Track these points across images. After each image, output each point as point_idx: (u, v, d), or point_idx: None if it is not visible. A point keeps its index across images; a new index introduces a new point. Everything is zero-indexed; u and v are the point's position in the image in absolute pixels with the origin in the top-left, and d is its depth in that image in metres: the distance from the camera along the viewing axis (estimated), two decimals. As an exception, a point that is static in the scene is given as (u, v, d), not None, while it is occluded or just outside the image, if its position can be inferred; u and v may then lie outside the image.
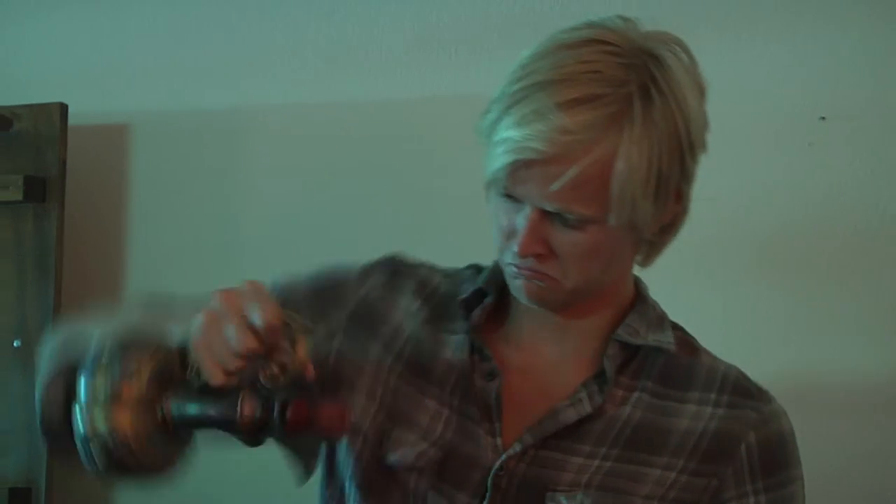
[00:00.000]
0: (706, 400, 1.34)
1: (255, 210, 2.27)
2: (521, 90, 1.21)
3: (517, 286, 1.30)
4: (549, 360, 1.37)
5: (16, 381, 2.07)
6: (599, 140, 1.18)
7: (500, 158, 1.20)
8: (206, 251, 2.22)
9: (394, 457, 1.35)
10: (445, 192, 2.16)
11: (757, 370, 1.44)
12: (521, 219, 1.23)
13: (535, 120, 1.19)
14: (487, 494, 1.32)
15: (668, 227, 1.31)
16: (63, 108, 2.11)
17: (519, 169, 1.20)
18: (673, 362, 1.36)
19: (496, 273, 1.37)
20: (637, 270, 1.37)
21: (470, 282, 1.40)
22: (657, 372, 1.36)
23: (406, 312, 1.41)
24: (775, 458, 1.35)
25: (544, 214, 1.23)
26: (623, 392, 1.34)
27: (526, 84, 1.21)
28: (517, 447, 1.32)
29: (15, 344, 2.09)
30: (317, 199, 2.23)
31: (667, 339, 1.36)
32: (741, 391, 1.35)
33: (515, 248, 1.25)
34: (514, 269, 1.28)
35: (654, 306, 1.40)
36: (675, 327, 1.40)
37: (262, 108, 2.25)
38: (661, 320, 1.39)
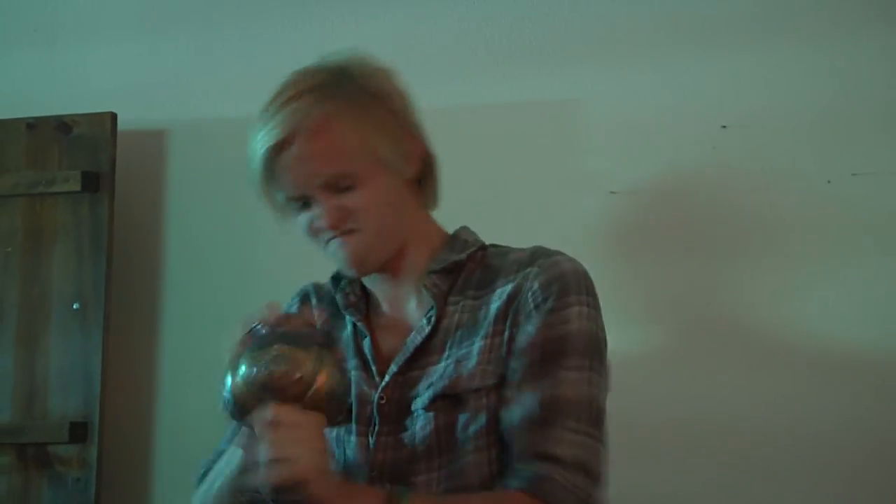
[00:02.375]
0: (506, 280, 1.53)
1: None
2: (253, 126, 1.49)
3: (341, 257, 1.52)
4: (402, 311, 1.60)
5: (76, 336, 2.26)
6: (316, 111, 1.43)
7: (259, 162, 1.46)
8: (235, 233, 2.34)
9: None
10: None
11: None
12: (316, 209, 1.47)
13: (269, 119, 1.45)
14: (376, 419, 1.54)
15: (424, 167, 1.56)
16: (113, 117, 2.30)
17: (281, 161, 1.44)
18: (487, 270, 1.56)
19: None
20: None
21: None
22: (474, 282, 1.56)
23: (318, 318, 1.62)
24: (553, 290, 1.50)
25: (326, 194, 1.46)
26: (452, 308, 1.55)
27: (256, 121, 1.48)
28: (387, 378, 1.54)
29: (74, 306, 2.26)
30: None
31: (459, 257, 1.56)
32: (530, 258, 1.54)
33: (325, 227, 1.48)
34: (335, 246, 1.50)
35: (465, 239, 1.60)
36: (493, 246, 1.60)
37: None
38: (465, 244, 1.59)
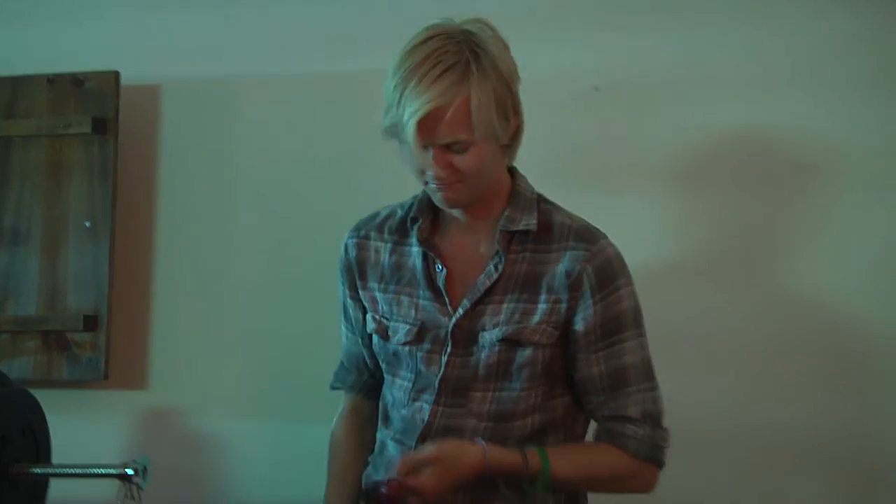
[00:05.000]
0: (560, 247, 1.69)
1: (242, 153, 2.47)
2: (403, 81, 1.58)
3: (440, 198, 1.66)
4: (471, 248, 1.73)
5: (88, 248, 2.39)
6: (459, 91, 1.56)
7: (409, 123, 1.56)
8: (217, 167, 2.46)
9: (394, 340, 1.76)
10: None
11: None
12: (430, 157, 1.60)
13: (422, 93, 1.56)
14: (449, 342, 1.71)
15: (515, 135, 1.69)
16: (116, 74, 2.42)
17: (421, 124, 1.56)
18: (542, 229, 1.71)
19: (422, 201, 1.74)
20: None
21: (417, 207, 1.76)
22: (531, 237, 1.70)
23: (377, 250, 1.80)
24: (605, 276, 1.69)
25: (442, 151, 1.60)
26: (514, 256, 1.70)
27: (404, 76, 1.58)
28: (461, 311, 1.70)
29: (87, 224, 2.40)
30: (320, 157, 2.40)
31: (531, 222, 1.69)
32: (579, 237, 1.69)
33: (432, 174, 1.61)
34: (435, 187, 1.64)
35: (524, 193, 1.73)
36: (543, 200, 1.74)
37: (259, 77, 2.44)
38: (530, 204, 1.72)
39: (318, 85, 2.41)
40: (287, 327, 2.39)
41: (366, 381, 1.89)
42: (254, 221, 2.43)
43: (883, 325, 2.17)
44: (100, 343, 2.38)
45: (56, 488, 2.00)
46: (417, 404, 1.71)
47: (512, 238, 1.70)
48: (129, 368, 2.46)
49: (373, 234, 1.80)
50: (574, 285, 1.67)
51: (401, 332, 1.73)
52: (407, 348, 1.72)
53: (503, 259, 1.68)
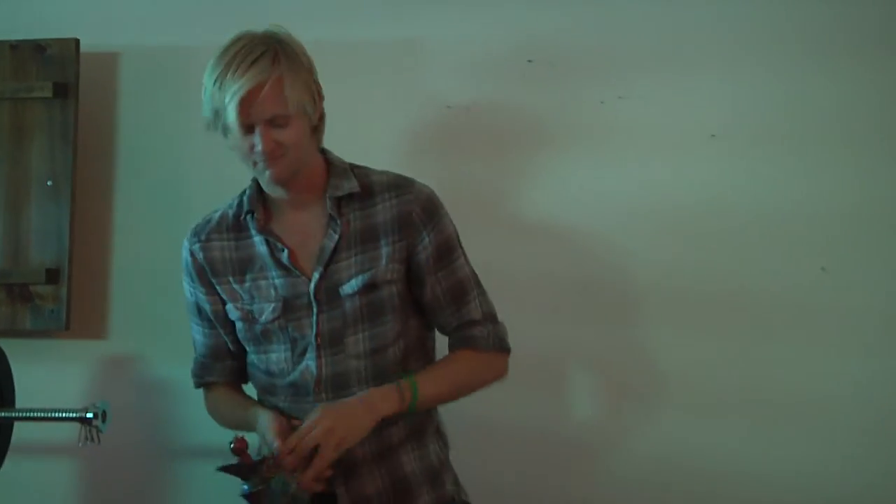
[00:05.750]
0: (384, 199, 1.87)
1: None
2: (221, 73, 1.72)
3: (267, 176, 1.79)
4: (305, 223, 1.86)
5: (50, 205, 2.45)
6: (272, 72, 1.71)
7: (231, 104, 1.70)
8: (171, 130, 2.51)
9: (262, 321, 1.88)
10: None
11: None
12: (256, 136, 1.74)
13: (240, 77, 1.71)
14: (314, 305, 1.85)
15: (321, 119, 1.84)
16: (77, 42, 2.47)
17: (242, 104, 1.70)
18: (363, 190, 1.87)
19: (251, 196, 1.87)
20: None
21: (248, 201, 1.89)
22: (356, 198, 1.87)
23: (222, 248, 1.90)
24: (430, 212, 1.88)
25: (266, 128, 1.74)
26: (346, 218, 1.85)
27: (221, 69, 1.73)
28: (316, 276, 1.84)
29: (49, 183, 2.45)
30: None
31: (353, 185, 1.86)
32: (397, 186, 1.87)
33: (260, 150, 1.74)
34: (263, 165, 1.76)
35: (338, 164, 1.89)
36: (354, 167, 1.90)
37: (213, 46, 2.16)
38: (346, 171, 1.88)
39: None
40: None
41: (230, 364, 2.00)
42: (207, 180, 2.47)
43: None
44: (61, 295, 2.43)
45: (20, 431, 2.09)
46: (302, 365, 1.85)
47: (340, 203, 1.85)
48: (89, 319, 2.53)
49: (213, 236, 1.92)
50: (407, 225, 1.85)
51: (266, 311, 1.87)
52: (276, 323, 1.86)
53: (339, 222, 1.84)
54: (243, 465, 1.73)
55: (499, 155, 2.39)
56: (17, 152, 2.47)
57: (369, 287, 1.84)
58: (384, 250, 1.86)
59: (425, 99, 2.41)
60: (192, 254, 1.93)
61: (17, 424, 2.06)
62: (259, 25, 2.18)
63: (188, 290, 1.97)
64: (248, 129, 1.75)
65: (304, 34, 1.87)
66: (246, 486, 1.70)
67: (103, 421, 1.98)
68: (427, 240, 1.88)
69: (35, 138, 2.46)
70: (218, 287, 1.93)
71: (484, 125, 2.41)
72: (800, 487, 2.27)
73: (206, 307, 1.96)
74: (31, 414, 2.01)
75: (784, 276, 2.32)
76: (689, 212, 2.34)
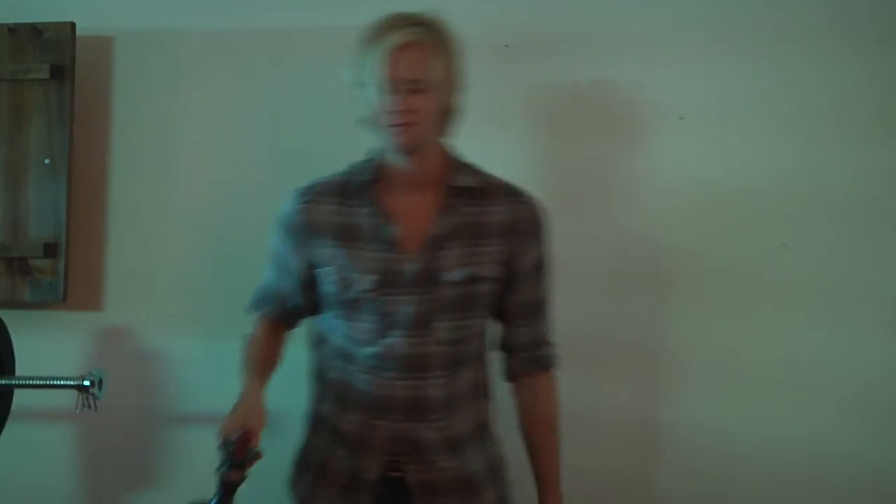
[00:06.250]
0: (497, 202, 1.92)
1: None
2: (379, 30, 1.78)
3: (397, 140, 1.82)
4: (417, 204, 1.90)
5: (48, 183, 2.48)
6: (427, 39, 1.78)
7: (384, 57, 1.74)
8: (163, 111, 2.56)
9: (357, 290, 1.89)
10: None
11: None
12: (396, 97, 1.78)
13: (398, 31, 1.77)
14: (412, 286, 1.88)
15: (454, 110, 1.89)
16: (73, 25, 2.50)
17: (393, 55, 1.75)
18: (478, 189, 1.92)
19: (370, 167, 1.90)
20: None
21: (363, 172, 1.92)
22: (468, 193, 1.91)
23: (328, 212, 1.91)
24: (538, 223, 1.95)
25: (406, 92, 1.77)
26: (459, 209, 1.90)
27: (379, 29, 1.79)
28: (420, 257, 1.88)
29: (46, 161, 2.48)
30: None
31: (469, 180, 1.91)
32: (509, 192, 1.93)
33: (397, 110, 1.77)
34: (395, 132, 1.79)
35: (457, 158, 1.95)
36: (470, 164, 1.95)
37: (205, 31, 2.55)
38: (465, 166, 1.95)
39: (262, 39, 2.52)
40: (232, 255, 2.49)
41: (285, 309, 2.02)
42: (199, 158, 2.54)
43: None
44: (59, 268, 2.48)
45: (20, 398, 2.16)
46: (389, 340, 1.88)
47: (454, 194, 1.90)
48: (85, 291, 2.56)
49: (322, 198, 1.94)
50: (515, 231, 1.91)
51: (365, 281, 1.89)
52: (370, 294, 1.88)
53: (453, 212, 1.89)
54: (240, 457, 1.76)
55: (477, 138, 2.27)
56: (15, 132, 2.49)
57: (471, 280, 1.88)
58: (489, 249, 1.91)
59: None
60: (296, 212, 1.93)
61: (17, 391, 2.13)
62: (251, 11, 2.41)
63: (277, 241, 1.98)
64: (390, 86, 1.77)
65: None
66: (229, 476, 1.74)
67: (99, 388, 2.06)
68: (530, 250, 1.94)
69: (33, 118, 2.48)
70: (315, 250, 1.94)
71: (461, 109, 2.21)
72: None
73: (291, 259, 1.97)
74: (31, 381, 2.08)
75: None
76: (664, 192, 2.40)
